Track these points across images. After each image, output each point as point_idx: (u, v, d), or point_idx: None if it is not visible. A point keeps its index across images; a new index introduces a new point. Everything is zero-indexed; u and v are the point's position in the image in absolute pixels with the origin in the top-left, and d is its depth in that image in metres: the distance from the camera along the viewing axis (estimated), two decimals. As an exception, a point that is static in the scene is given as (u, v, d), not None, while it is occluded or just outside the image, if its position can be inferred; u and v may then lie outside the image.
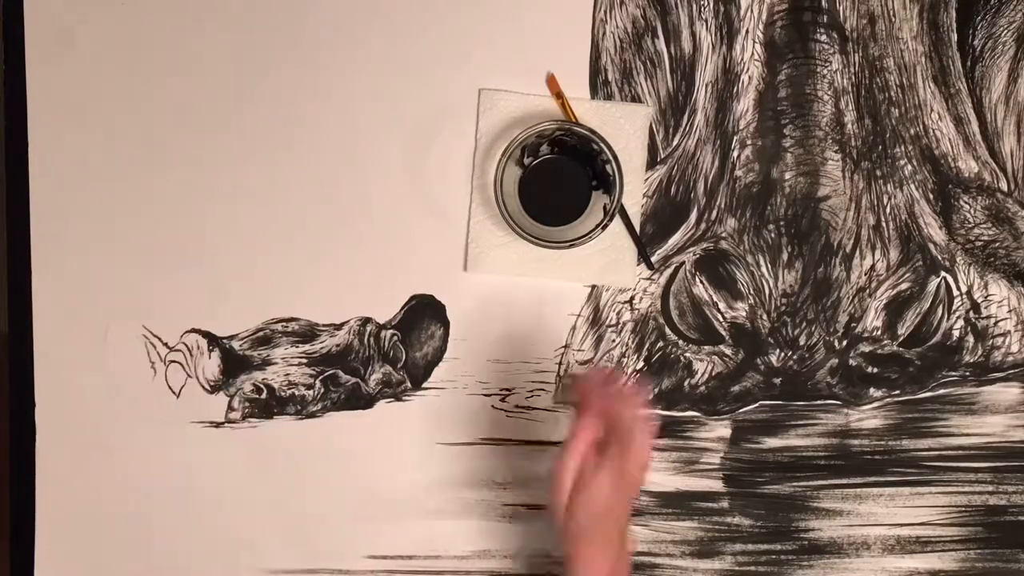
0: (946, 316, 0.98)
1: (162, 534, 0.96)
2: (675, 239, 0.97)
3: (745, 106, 0.97)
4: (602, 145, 0.90)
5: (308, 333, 0.97)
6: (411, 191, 0.96)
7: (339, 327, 0.97)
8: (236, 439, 0.96)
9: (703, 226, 0.97)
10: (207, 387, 0.96)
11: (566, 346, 0.97)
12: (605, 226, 0.91)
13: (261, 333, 0.97)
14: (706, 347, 0.97)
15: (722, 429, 0.98)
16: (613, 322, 0.97)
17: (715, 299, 0.97)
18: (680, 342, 0.97)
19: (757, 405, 0.98)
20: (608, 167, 0.91)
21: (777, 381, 0.98)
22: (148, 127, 0.96)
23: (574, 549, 0.75)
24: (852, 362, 0.98)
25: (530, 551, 0.97)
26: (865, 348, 0.98)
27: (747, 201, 0.97)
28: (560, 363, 0.97)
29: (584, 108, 0.96)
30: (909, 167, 0.97)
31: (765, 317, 0.97)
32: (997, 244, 0.98)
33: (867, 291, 0.97)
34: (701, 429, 0.98)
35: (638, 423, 0.75)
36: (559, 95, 0.95)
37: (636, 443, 0.74)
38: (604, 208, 0.92)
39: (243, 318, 0.97)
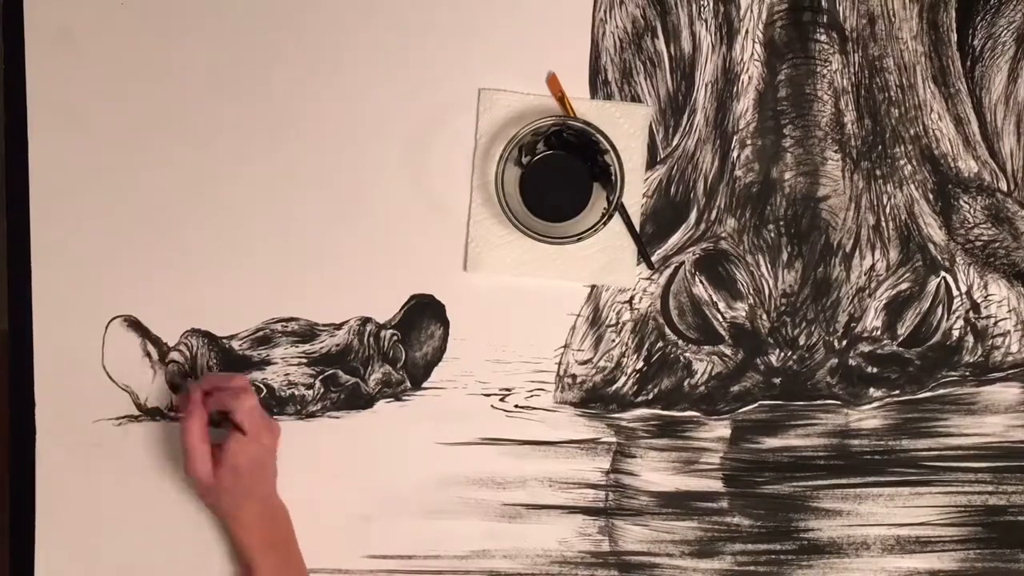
0: (946, 316, 0.98)
1: (162, 534, 0.96)
2: (675, 239, 0.97)
3: (745, 106, 0.97)
4: (599, 136, 0.90)
5: (308, 333, 0.97)
6: (411, 191, 0.96)
7: (339, 327, 0.97)
8: (236, 439, 0.96)
9: (703, 226, 0.97)
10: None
11: (566, 346, 0.97)
12: (610, 217, 0.91)
13: (261, 333, 0.97)
14: (706, 347, 0.97)
15: (722, 429, 0.98)
16: (613, 322, 0.97)
17: (715, 299, 0.97)
18: (680, 342, 0.97)
19: (757, 405, 0.98)
20: (607, 157, 0.91)
21: (777, 381, 0.98)
22: (148, 127, 0.96)
23: (225, 509, 0.90)
24: (852, 362, 0.98)
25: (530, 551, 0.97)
26: (865, 348, 0.98)
27: (747, 201, 0.97)
28: (560, 363, 0.97)
29: (584, 108, 0.96)
30: (909, 167, 0.97)
31: (765, 317, 0.97)
32: (997, 244, 0.98)
33: (867, 291, 0.97)
34: (701, 429, 0.98)
35: (238, 392, 0.87)
36: (560, 96, 0.95)
37: (241, 405, 0.87)
38: (607, 200, 0.92)
39: (243, 318, 0.97)
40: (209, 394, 0.88)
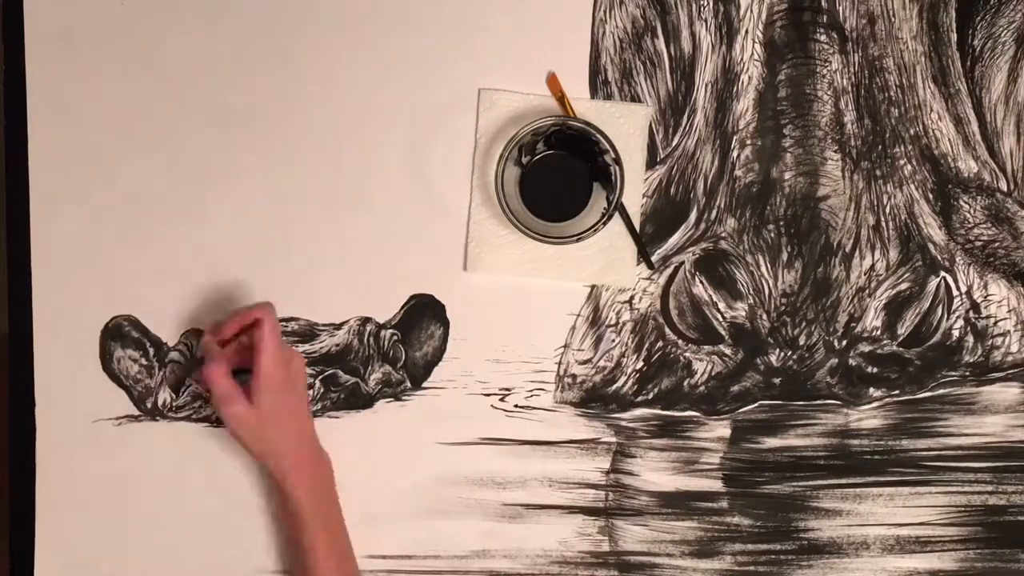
0: (946, 316, 0.98)
1: (162, 534, 0.96)
2: (675, 239, 0.97)
3: (745, 106, 0.97)
4: (599, 136, 0.90)
5: (308, 333, 0.97)
6: (411, 191, 0.96)
7: (339, 327, 0.97)
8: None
9: (703, 226, 0.97)
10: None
11: (566, 346, 0.97)
12: (610, 217, 0.91)
13: (261, 333, 0.97)
14: (706, 347, 0.97)
15: (722, 429, 0.98)
16: (613, 322, 0.97)
17: (715, 299, 0.97)
18: (680, 342, 0.97)
19: (757, 405, 0.98)
20: (607, 157, 0.91)
21: (777, 381, 0.98)
22: (148, 127, 0.96)
23: (274, 446, 0.87)
24: (852, 362, 0.98)
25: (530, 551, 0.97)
26: (865, 348, 0.98)
27: (747, 201, 0.97)
28: (560, 363, 0.97)
29: (584, 108, 0.96)
30: (909, 167, 0.97)
31: (765, 317, 0.97)
32: (997, 244, 0.98)
33: (867, 291, 0.97)
34: (701, 429, 0.98)
35: (259, 328, 0.86)
36: (560, 96, 0.95)
37: (264, 343, 0.86)
38: (607, 200, 0.92)
39: (243, 318, 0.97)
40: (229, 341, 0.89)
